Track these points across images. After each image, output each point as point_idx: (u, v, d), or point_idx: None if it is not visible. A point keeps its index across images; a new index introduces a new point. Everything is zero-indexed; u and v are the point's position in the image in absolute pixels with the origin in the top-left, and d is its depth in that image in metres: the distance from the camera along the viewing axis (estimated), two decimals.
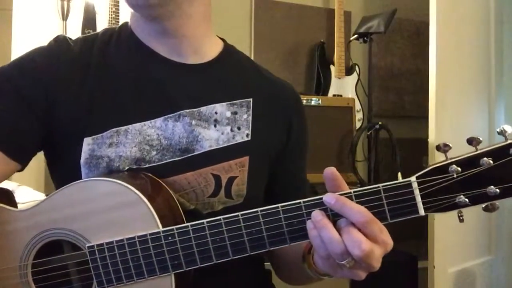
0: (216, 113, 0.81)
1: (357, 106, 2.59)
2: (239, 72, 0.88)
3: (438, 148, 0.62)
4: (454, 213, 0.63)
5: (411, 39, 3.11)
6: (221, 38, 0.91)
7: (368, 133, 2.44)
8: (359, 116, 2.62)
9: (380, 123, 2.38)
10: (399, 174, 2.28)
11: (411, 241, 2.39)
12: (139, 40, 0.82)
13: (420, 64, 2.99)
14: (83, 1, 2.31)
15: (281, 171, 0.89)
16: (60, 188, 0.72)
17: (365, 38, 2.54)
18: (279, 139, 0.87)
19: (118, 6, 2.34)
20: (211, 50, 0.86)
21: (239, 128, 0.82)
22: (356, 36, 2.58)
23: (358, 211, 0.60)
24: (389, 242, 0.62)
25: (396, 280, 2.30)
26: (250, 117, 0.83)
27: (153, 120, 0.78)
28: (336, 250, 0.59)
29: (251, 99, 0.84)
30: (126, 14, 2.40)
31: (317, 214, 0.62)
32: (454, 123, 2.02)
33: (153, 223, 0.68)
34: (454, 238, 2.04)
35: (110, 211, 0.69)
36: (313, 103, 2.20)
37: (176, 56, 0.82)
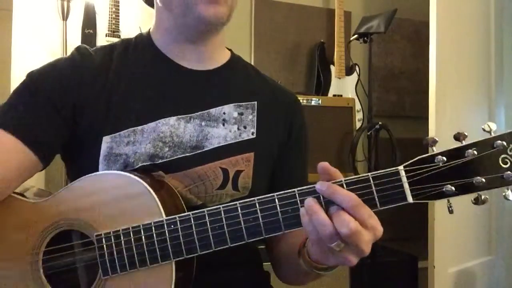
0: (224, 113, 0.88)
1: (357, 106, 2.59)
2: (245, 77, 0.96)
3: (426, 143, 0.65)
4: (447, 207, 0.65)
5: (411, 39, 3.11)
6: (228, 49, 0.98)
7: (368, 133, 2.44)
8: (359, 116, 2.62)
9: (380, 123, 2.38)
10: None
11: (411, 241, 2.39)
12: (157, 49, 0.90)
13: (420, 64, 2.99)
14: (83, 1, 2.31)
15: (282, 168, 0.94)
16: (72, 182, 0.77)
17: (365, 38, 2.54)
18: (281, 137, 0.93)
19: (118, 6, 2.35)
20: (221, 57, 0.94)
21: (245, 127, 0.89)
22: (356, 36, 2.58)
23: (347, 196, 0.63)
24: (378, 228, 0.64)
25: (396, 280, 2.30)
26: (255, 118, 0.90)
27: (167, 118, 0.84)
28: (325, 232, 0.62)
29: (255, 102, 0.91)
30: (126, 15, 2.41)
31: (309, 201, 0.65)
32: (454, 123, 2.02)
33: (158, 213, 0.71)
34: (454, 238, 2.04)
35: (118, 202, 0.73)
36: (313, 103, 2.20)
37: (189, 63, 0.89)
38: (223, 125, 0.87)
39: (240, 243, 0.69)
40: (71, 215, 0.74)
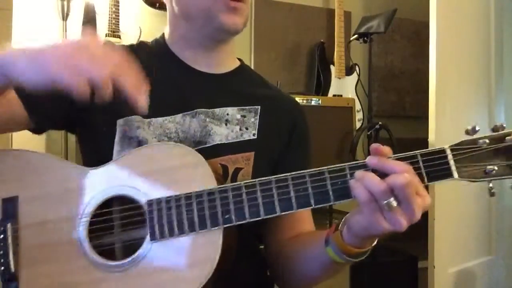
0: (227, 114, 0.92)
1: (357, 106, 2.59)
2: (250, 84, 1.00)
3: (467, 132, 0.70)
4: (489, 189, 0.69)
5: (411, 39, 3.11)
6: (238, 59, 1.03)
7: (368, 133, 2.44)
8: (359, 116, 2.62)
9: (380, 123, 2.38)
10: None
11: (411, 241, 2.39)
12: (170, 51, 0.95)
13: (420, 64, 2.99)
14: (83, 1, 2.31)
15: (284, 169, 0.92)
16: (127, 152, 0.81)
17: (365, 38, 2.54)
18: (282, 140, 0.96)
19: (118, 6, 2.35)
20: (230, 64, 0.99)
21: (247, 128, 0.92)
22: (356, 36, 2.58)
23: (399, 164, 0.66)
24: (427, 196, 0.66)
25: (396, 280, 2.30)
26: (257, 121, 0.93)
27: (173, 116, 0.88)
28: (379, 188, 0.64)
29: (259, 107, 0.94)
30: (126, 15, 2.41)
31: (359, 171, 0.68)
32: (454, 123, 2.02)
33: (211, 182, 0.74)
34: (454, 238, 2.04)
35: (173, 171, 0.76)
36: (313, 103, 2.20)
37: (200, 67, 0.94)
38: (226, 125, 0.91)
39: (290, 212, 0.71)
40: (124, 182, 0.77)
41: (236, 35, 0.92)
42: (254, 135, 0.92)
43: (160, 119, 0.87)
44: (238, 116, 0.92)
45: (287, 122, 0.97)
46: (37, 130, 0.89)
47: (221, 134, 0.89)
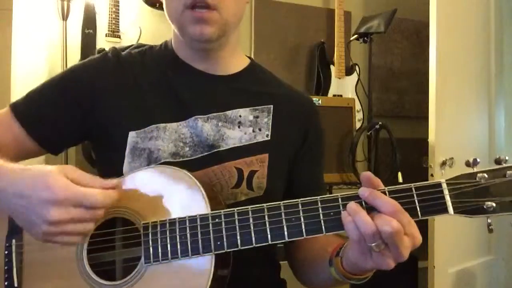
0: (240, 116, 0.91)
1: (357, 106, 2.59)
2: (262, 82, 0.98)
3: (467, 164, 0.67)
4: (487, 225, 0.69)
5: (411, 39, 3.11)
6: (249, 57, 1.02)
7: (368, 133, 2.44)
8: (359, 116, 2.62)
9: (380, 123, 2.38)
10: (399, 174, 2.27)
11: None
12: (176, 55, 0.94)
13: (420, 64, 2.99)
14: (83, 1, 2.31)
15: (298, 171, 0.95)
16: (127, 174, 0.82)
17: (365, 38, 2.54)
18: (296, 141, 0.95)
19: (118, 6, 2.35)
20: (238, 64, 0.97)
21: (260, 130, 0.91)
22: (356, 36, 2.58)
23: (389, 202, 0.65)
24: (417, 236, 0.66)
25: (396, 280, 2.30)
26: (270, 121, 0.92)
27: (186, 120, 0.88)
28: (368, 231, 0.64)
29: (271, 106, 0.94)
30: (126, 15, 2.41)
31: (352, 204, 0.67)
32: (454, 123, 2.02)
33: (204, 208, 0.74)
34: (454, 238, 2.04)
35: (167, 195, 0.77)
36: None
37: (209, 69, 0.93)
38: (239, 127, 0.90)
39: (281, 241, 0.71)
40: (120, 204, 0.77)
41: (211, 44, 0.88)
42: (267, 136, 0.91)
43: (174, 124, 0.87)
44: (251, 118, 0.91)
45: (301, 121, 0.96)
46: (53, 152, 0.92)
47: (234, 137, 0.89)
